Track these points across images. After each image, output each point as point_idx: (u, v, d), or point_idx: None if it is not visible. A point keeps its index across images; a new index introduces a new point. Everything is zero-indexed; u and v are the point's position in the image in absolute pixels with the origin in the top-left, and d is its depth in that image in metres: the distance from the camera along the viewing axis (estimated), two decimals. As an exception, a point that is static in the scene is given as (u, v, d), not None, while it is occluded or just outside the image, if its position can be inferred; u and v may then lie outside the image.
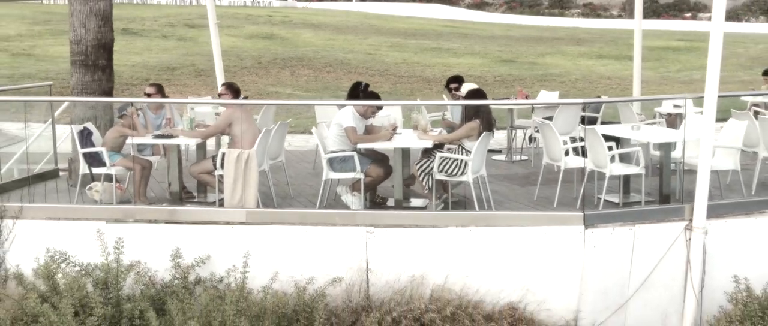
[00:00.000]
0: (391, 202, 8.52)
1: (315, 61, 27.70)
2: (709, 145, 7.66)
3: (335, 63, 27.60)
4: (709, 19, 7.93)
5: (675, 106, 11.65)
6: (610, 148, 8.26)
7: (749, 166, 9.25)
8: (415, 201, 8.60)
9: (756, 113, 11.02)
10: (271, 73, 25.51)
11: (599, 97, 18.87)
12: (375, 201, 8.65)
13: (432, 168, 8.16)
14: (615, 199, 8.49)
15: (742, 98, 13.42)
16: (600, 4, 54.93)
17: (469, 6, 56.59)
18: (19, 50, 26.34)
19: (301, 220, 7.87)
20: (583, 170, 8.41)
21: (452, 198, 8.47)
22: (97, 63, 9.67)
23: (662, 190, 8.32)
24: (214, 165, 8.40)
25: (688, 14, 51.60)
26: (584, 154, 8.46)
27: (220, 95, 8.94)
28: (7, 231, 8.01)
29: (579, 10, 54.91)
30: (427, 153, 8.47)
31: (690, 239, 7.72)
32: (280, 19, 38.42)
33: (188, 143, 9.36)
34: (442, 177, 8.15)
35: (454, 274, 7.55)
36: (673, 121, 11.29)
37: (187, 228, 7.84)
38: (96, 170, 8.62)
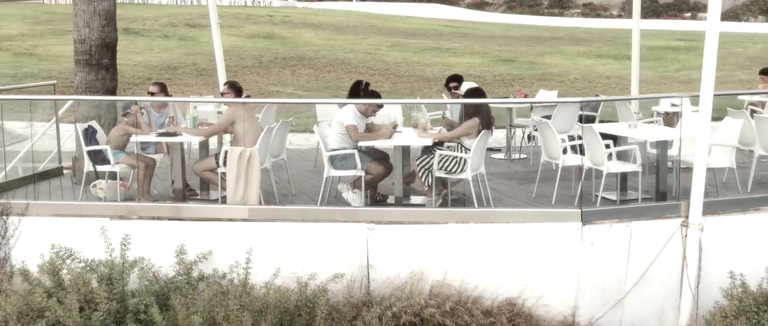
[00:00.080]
0: (391, 199, 8.59)
1: (315, 61, 27.72)
2: (705, 142, 7.72)
3: (336, 62, 27.62)
4: (709, 19, 8.00)
5: (672, 105, 11.67)
6: (607, 146, 8.33)
7: (745, 164, 9.31)
8: (415, 199, 8.66)
9: (753, 112, 11.07)
10: (272, 72, 25.54)
11: (597, 96, 18.87)
12: (375, 198, 8.73)
13: (432, 166, 8.23)
14: (612, 197, 8.57)
15: (740, 97, 13.46)
16: (600, 4, 54.82)
17: (469, 6, 56.49)
18: (22, 50, 26.34)
19: (302, 217, 7.93)
20: (580, 168, 8.48)
21: (452, 196, 8.53)
22: (101, 62, 9.74)
23: (659, 188, 8.39)
24: (217, 162, 8.46)
25: (688, 14, 51.49)
26: (582, 152, 8.51)
27: (222, 94, 9.00)
28: (13, 228, 8.07)
29: (578, 10, 54.78)
30: (427, 150, 8.55)
31: (686, 236, 7.78)
32: (280, 19, 38.38)
33: (191, 141, 9.44)
34: (441, 174, 8.21)
35: (454, 270, 7.61)
36: (671, 119, 11.31)
37: (191, 225, 7.90)
38: (100, 168, 8.68)
